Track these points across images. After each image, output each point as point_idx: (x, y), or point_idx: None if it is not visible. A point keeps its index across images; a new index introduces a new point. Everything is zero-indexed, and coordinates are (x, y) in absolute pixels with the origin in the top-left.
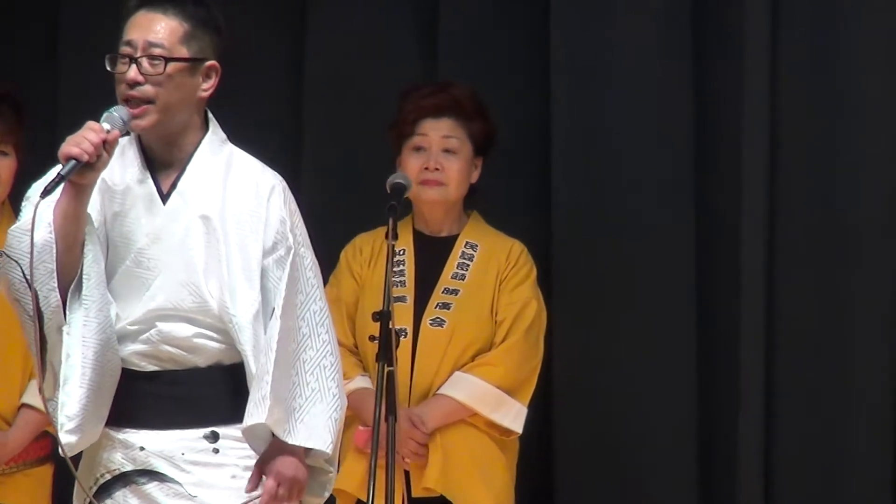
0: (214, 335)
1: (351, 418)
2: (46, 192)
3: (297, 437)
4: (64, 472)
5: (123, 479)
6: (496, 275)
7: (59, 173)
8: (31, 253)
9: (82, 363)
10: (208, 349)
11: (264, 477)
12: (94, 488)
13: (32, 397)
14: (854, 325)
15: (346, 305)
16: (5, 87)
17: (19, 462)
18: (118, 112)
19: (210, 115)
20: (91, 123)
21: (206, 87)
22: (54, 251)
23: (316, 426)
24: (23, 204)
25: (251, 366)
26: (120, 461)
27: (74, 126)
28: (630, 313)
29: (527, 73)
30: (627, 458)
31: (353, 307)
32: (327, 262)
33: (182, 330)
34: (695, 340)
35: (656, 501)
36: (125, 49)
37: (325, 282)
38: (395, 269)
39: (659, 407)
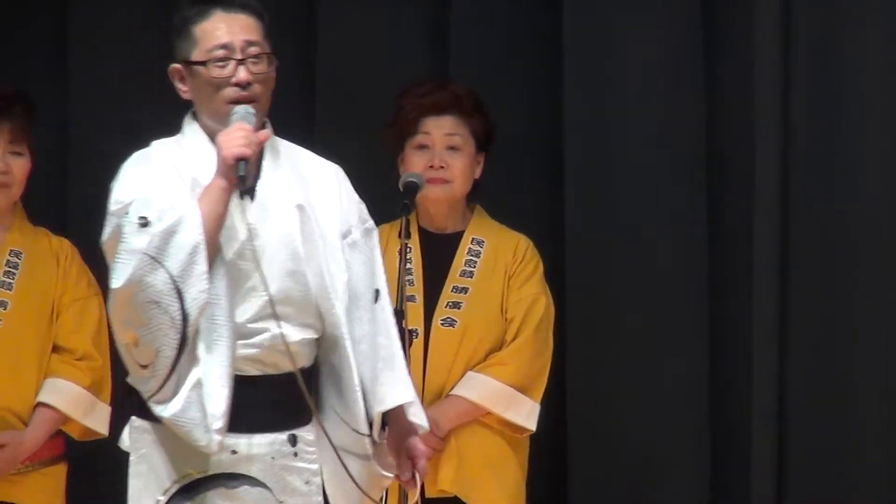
0: (312, 336)
1: None
2: (243, 195)
3: (420, 416)
4: (78, 471)
5: (212, 481)
6: (504, 271)
7: (241, 175)
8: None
9: (223, 362)
10: (304, 354)
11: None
12: (175, 488)
13: (48, 396)
14: (868, 324)
15: None
16: (17, 88)
17: (34, 461)
18: (247, 111)
19: None
20: (241, 125)
21: (274, 79)
22: (205, 252)
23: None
24: (117, 203)
25: (349, 353)
26: (210, 463)
27: (85, 126)
28: (643, 311)
29: (538, 71)
30: (641, 455)
31: None
32: None
33: (293, 334)
34: (707, 338)
35: (669, 499)
36: (221, 52)
37: None
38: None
39: (672, 405)
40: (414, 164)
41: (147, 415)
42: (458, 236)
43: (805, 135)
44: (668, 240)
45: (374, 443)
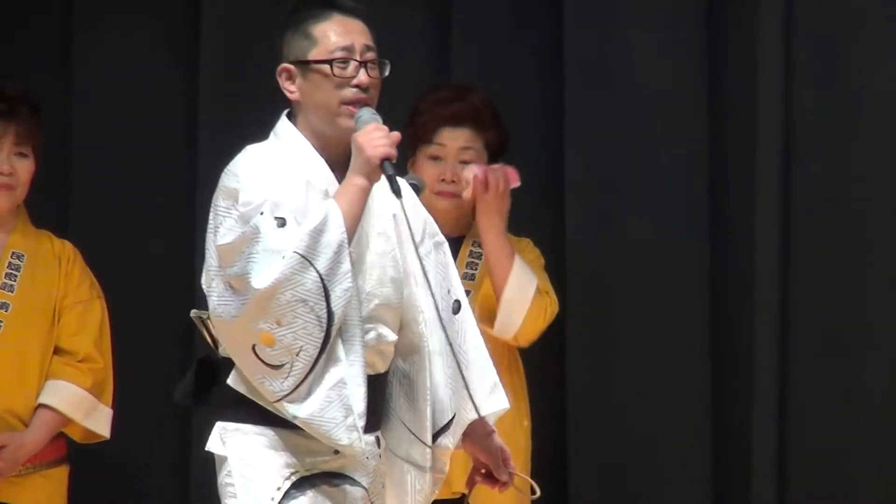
0: (396, 339)
1: None
2: (399, 193)
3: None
4: (79, 473)
5: (318, 478)
6: None
7: (390, 175)
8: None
9: (362, 361)
10: (391, 356)
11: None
12: (288, 483)
13: (49, 398)
14: (869, 325)
15: None
16: (24, 89)
17: (35, 463)
18: (372, 113)
19: None
20: (377, 125)
21: None
22: (348, 251)
23: None
24: (247, 205)
25: (431, 363)
26: (315, 462)
27: (88, 127)
28: (643, 313)
29: (541, 72)
30: (641, 457)
31: None
32: None
33: (389, 335)
34: (709, 340)
35: (671, 501)
36: (342, 54)
37: None
38: None
39: (673, 406)
40: (425, 173)
41: (246, 417)
42: (459, 241)
43: (807, 134)
44: (670, 240)
45: (431, 453)
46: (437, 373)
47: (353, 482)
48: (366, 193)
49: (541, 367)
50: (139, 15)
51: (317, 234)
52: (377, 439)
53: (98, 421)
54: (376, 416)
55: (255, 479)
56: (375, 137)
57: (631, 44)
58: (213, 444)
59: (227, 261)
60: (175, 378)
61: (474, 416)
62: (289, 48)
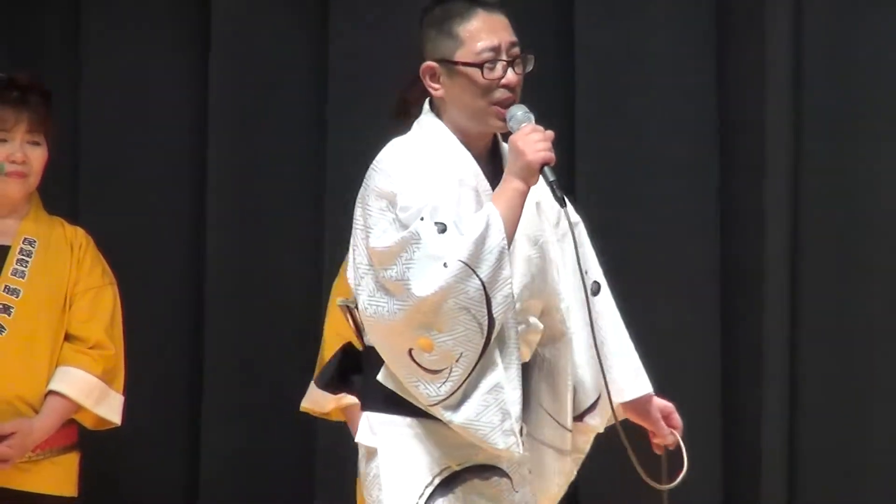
0: (541, 327)
1: None
2: (563, 202)
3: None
4: (90, 459)
5: (470, 472)
6: None
7: (552, 181)
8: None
9: (514, 364)
10: (534, 345)
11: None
12: (440, 479)
13: (59, 384)
14: (879, 317)
15: None
16: (36, 77)
17: (45, 449)
18: (524, 111)
19: None
20: (534, 126)
21: None
22: (508, 257)
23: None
24: (405, 210)
25: (570, 347)
26: (467, 455)
27: (97, 116)
28: (652, 304)
29: (550, 64)
30: (650, 450)
31: None
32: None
33: (538, 325)
34: (718, 330)
35: (679, 495)
36: (490, 55)
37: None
38: None
39: (682, 399)
40: None
41: (398, 409)
42: None
43: (817, 127)
44: (679, 234)
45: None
46: (579, 356)
47: (503, 473)
48: (524, 197)
49: None
50: (148, 4)
51: (480, 241)
52: (522, 428)
53: (109, 408)
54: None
55: (404, 473)
56: (534, 140)
57: (641, 38)
58: (363, 436)
59: (382, 263)
60: (185, 365)
61: (617, 400)
62: (433, 46)
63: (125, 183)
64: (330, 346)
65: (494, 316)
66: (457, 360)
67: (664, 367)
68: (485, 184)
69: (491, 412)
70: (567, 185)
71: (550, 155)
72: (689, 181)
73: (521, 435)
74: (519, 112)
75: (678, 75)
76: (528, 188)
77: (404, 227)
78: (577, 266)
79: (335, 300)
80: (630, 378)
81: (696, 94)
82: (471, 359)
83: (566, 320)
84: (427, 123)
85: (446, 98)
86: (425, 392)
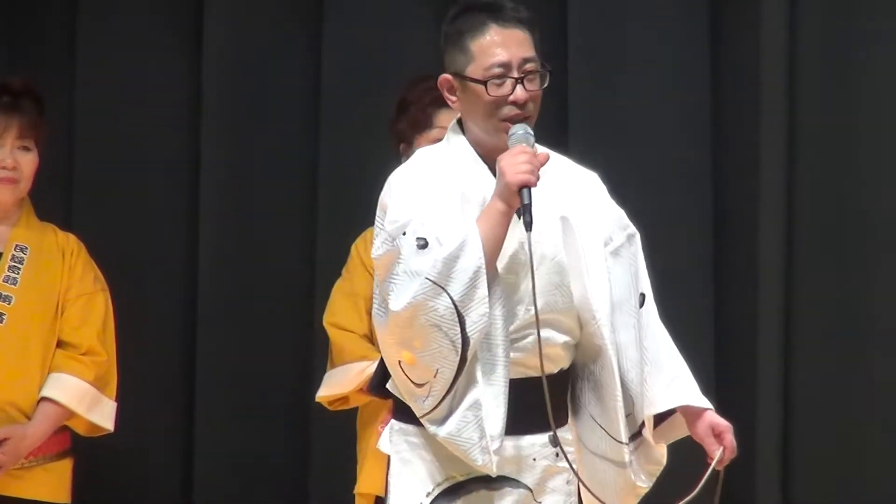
0: (572, 340)
1: (368, 418)
2: (529, 226)
3: (701, 400)
4: (83, 466)
5: (475, 483)
6: None
7: (525, 204)
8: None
9: (502, 382)
10: (565, 357)
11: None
12: (440, 489)
13: (52, 391)
14: (873, 319)
15: (365, 300)
16: (27, 82)
17: (38, 456)
18: (526, 131)
19: None
20: (523, 148)
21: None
22: (486, 277)
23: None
24: (394, 223)
25: (612, 360)
26: (473, 465)
27: (92, 121)
28: None
29: (544, 60)
30: None
31: (370, 301)
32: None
33: (555, 338)
34: (712, 334)
35: (675, 496)
36: (499, 71)
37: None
38: None
39: None
40: None
41: (408, 418)
42: None
43: (812, 124)
44: (673, 237)
45: (634, 451)
46: (631, 369)
47: (517, 483)
48: (507, 218)
49: None
50: (143, 8)
51: (451, 260)
52: (551, 439)
53: (101, 414)
54: (538, 418)
55: (408, 481)
56: (518, 162)
57: (634, 35)
58: (383, 443)
59: (378, 275)
60: (178, 371)
61: (651, 411)
62: (450, 59)
63: (119, 188)
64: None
65: (469, 334)
66: (434, 376)
67: None
68: None
69: (471, 428)
70: None
71: (529, 178)
72: (683, 181)
73: (556, 444)
74: (519, 131)
75: (673, 75)
76: (511, 209)
77: (392, 239)
78: (627, 276)
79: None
80: (660, 390)
81: (691, 94)
82: (447, 375)
83: (600, 334)
84: (452, 136)
85: (462, 111)
86: (415, 404)
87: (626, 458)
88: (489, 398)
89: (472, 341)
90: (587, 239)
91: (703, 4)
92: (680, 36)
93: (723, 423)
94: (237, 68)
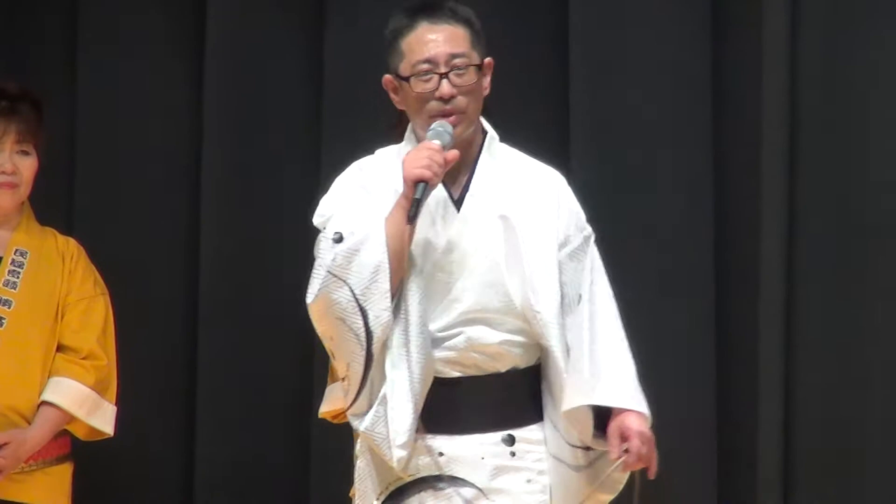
0: (517, 338)
1: None
2: (412, 219)
3: (641, 405)
4: (83, 470)
5: (421, 484)
6: None
7: (415, 198)
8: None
9: (409, 378)
10: (510, 354)
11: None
12: (387, 492)
13: (52, 395)
14: (874, 321)
15: None
16: (25, 87)
17: (38, 460)
18: (444, 128)
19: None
20: (429, 143)
21: (486, 85)
22: (388, 271)
23: (641, 399)
24: (320, 216)
25: (558, 360)
26: (418, 466)
27: (93, 125)
28: (647, 308)
29: (544, 64)
30: None
31: None
32: None
33: (489, 336)
34: (713, 335)
35: (676, 496)
36: (425, 66)
37: None
38: None
39: (678, 403)
40: None
41: None
42: None
43: (813, 127)
44: (673, 238)
45: (593, 460)
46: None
47: (463, 483)
48: (406, 212)
49: None
50: (145, 12)
51: (351, 253)
52: (504, 438)
53: (102, 418)
54: (507, 415)
55: (365, 482)
56: (418, 157)
57: (634, 35)
58: (359, 444)
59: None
60: (178, 375)
61: (565, 407)
62: (389, 60)
63: (120, 192)
64: None
65: (372, 328)
66: (348, 370)
67: (660, 370)
68: (443, 195)
69: (381, 424)
70: None
71: (423, 172)
72: (684, 182)
73: (512, 443)
74: (438, 128)
75: (673, 76)
76: (423, 205)
77: (318, 237)
78: (577, 282)
79: None
80: (575, 388)
81: (692, 95)
82: (357, 369)
83: (548, 336)
84: (406, 136)
85: (406, 111)
86: (345, 399)
87: (580, 461)
88: (399, 394)
89: (375, 336)
90: (532, 239)
91: (704, 4)
92: (681, 36)
93: (634, 427)
94: (239, 74)
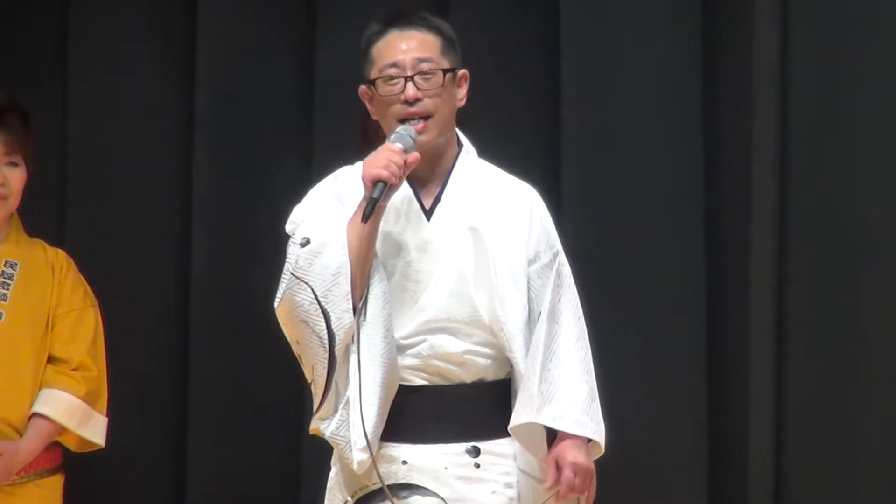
0: (483, 349)
1: None
2: (366, 218)
3: (585, 430)
4: (74, 482)
5: (383, 492)
6: None
7: (371, 197)
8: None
9: (373, 382)
10: (476, 365)
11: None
12: (353, 499)
13: (43, 406)
14: (864, 327)
15: None
16: (12, 98)
17: (30, 472)
18: (406, 132)
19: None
20: (390, 146)
21: (461, 96)
22: (349, 273)
23: (598, 422)
24: (291, 223)
25: (521, 372)
26: (388, 472)
27: (84, 137)
28: (639, 315)
29: (536, 72)
30: (638, 459)
31: None
32: None
33: (453, 345)
34: (704, 343)
35: (667, 501)
36: (391, 71)
37: None
38: None
39: (670, 409)
40: None
41: None
42: None
43: (804, 141)
44: (665, 246)
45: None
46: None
47: (426, 492)
48: (378, 214)
49: None
50: (135, 25)
51: (314, 255)
52: (469, 450)
53: (92, 429)
54: (473, 426)
55: (333, 489)
56: (377, 158)
57: (626, 48)
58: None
59: None
60: (170, 385)
61: (511, 424)
62: (363, 70)
63: (110, 203)
64: None
65: (334, 331)
66: (313, 373)
67: (651, 380)
68: (414, 204)
69: (345, 428)
70: (552, 198)
71: (381, 172)
72: (675, 194)
73: (478, 454)
74: (401, 132)
75: (665, 88)
76: (383, 206)
77: (289, 242)
78: (543, 298)
79: None
80: (523, 404)
81: (683, 107)
82: (321, 372)
83: (511, 349)
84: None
85: (379, 120)
86: (314, 403)
87: (539, 472)
88: (363, 397)
89: (338, 338)
90: (501, 252)
91: (695, 17)
92: (671, 49)
93: (568, 457)
94: (229, 84)
